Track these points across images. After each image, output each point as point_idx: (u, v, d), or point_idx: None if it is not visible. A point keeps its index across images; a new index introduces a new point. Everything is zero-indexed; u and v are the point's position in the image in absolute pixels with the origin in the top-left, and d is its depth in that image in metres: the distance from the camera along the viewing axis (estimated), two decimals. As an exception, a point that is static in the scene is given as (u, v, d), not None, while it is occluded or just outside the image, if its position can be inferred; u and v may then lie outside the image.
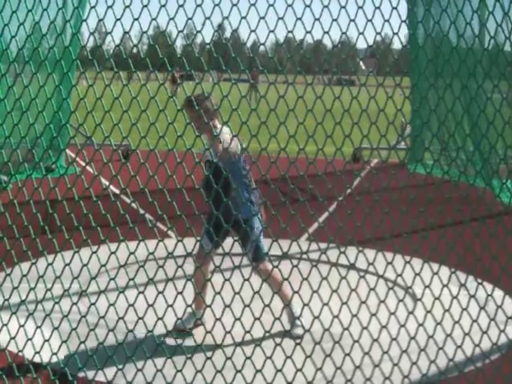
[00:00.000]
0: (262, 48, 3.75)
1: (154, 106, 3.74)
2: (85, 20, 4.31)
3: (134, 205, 4.11)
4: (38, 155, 4.31)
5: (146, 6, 3.85)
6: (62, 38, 4.29)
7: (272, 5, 3.60)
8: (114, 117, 3.84)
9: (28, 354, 4.42)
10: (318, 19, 3.50)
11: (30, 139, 4.35)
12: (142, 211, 4.09)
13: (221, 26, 4.03)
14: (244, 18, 3.62)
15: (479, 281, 4.09)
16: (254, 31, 3.57)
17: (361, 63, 4.63)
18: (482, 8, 4.10)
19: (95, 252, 3.92)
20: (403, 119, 15.71)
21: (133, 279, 3.95)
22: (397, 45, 3.84)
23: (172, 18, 3.80)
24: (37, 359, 4.28)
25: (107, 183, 3.94)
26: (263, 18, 3.60)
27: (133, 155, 14.49)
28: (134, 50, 4.05)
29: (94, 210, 3.92)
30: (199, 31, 3.84)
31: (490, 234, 3.82)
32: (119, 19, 3.92)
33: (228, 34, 4.02)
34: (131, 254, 3.85)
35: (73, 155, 4.73)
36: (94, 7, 4.09)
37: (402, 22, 3.81)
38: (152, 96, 3.80)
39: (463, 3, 3.95)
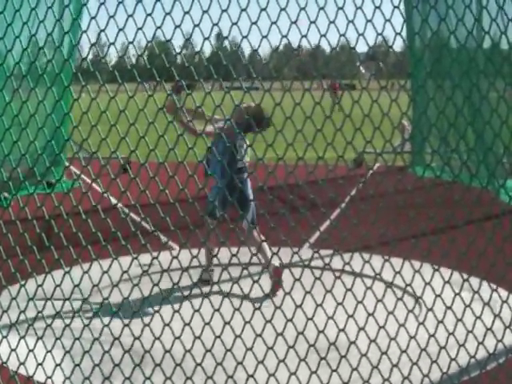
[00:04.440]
0: (262, 55, 3.66)
1: (158, 117, 3.67)
2: (85, 31, 4.21)
3: (130, 216, 4.03)
4: (37, 171, 4.23)
5: (149, 14, 3.76)
6: (59, 51, 4.20)
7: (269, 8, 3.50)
8: (112, 130, 3.77)
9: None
10: (314, 22, 3.40)
11: (29, 155, 4.28)
12: (151, 228, 4.01)
13: (220, 36, 3.94)
14: (235, 24, 3.53)
15: (493, 287, 3.98)
16: (245, 37, 3.48)
17: (360, 67, 4.53)
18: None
19: (87, 272, 3.89)
20: (405, 122, 15.64)
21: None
22: (397, 46, 3.76)
23: (178, 26, 3.71)
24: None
25: (106, 197, 3.86)
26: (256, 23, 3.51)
27: (134, 167, 14.42)
28: (135, 62, 3.97)
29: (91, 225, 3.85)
30: (205, 39, 3.74)
31: (504, 237, 3.74)
32: (122, 29, 3.83)
33: (224, 41, 3.93)
34: (125, 272, 3.78)
35: (73, 169, 4.67)
36: (94, 18, 4.01)
37: (404, 21, 3.72)
38: (160, 108, 3.71)
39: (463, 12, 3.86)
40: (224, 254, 4.02)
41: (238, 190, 6.36)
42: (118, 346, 3.90)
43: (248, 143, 6.82)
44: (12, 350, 4.26)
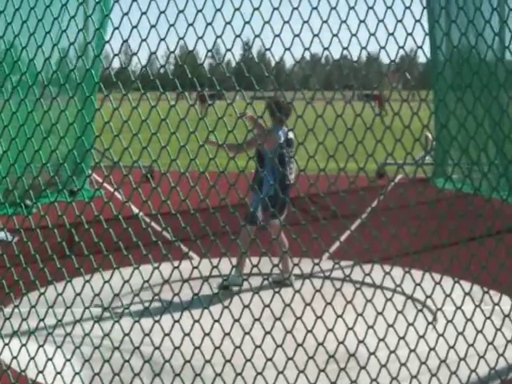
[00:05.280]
0: (287, 65, 3.69)
1: (183, 126, 3.69)
2: (108, 42, 4.23)
3: (152, 226, 4.05)
4: (61, 178, 4.27)
5: (172, 25, 3.78)
6: (83, 60, 4.22)
7: (307, 21, 3.53)
8: (141, 138, 3.80)
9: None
10: (336, 35, 3.43)
11: (52, 164, 4.32)
12: (172, 237, 4.03)
13: (248, 45, 3.97)
14: (277, 35, 3.55)
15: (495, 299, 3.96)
16: (288, 49, 3.50)
17: (387, 77, 4.53)
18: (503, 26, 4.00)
19: (88, 281, 3.91)
20: (428, 134, 15.54)
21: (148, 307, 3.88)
22: (421, 59, 3.77)
23: (200, 37, 3.73)
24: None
25: (133, 206, 3.90)
26: (278, 35, 3.53)
27: (156, 175, 14.48)
28: (161, 71, 3.99)
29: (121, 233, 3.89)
30: (229, 49, 3.75)
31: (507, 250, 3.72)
32: (145, 40, 3.85)
33: (252, 51, 3.95)
34: (145, 281, 3.79)
35: (98, 179, 4.71)
36: (117, 28, 4.03)
37: (426, 34, 3.73)
38: (182, 117, 3.73)
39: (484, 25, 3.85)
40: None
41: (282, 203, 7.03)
42: (137, 355, 3.94)
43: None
44: (31, 358, 4.28)
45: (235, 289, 7.38)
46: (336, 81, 3.79)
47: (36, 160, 4.30)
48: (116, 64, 4.40)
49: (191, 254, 7.28)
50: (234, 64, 3.89)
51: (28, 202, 7.51)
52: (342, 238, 6.82)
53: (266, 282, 4.00)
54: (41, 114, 4.25)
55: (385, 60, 3.78)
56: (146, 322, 3.87)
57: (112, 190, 3.94)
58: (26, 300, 4.24)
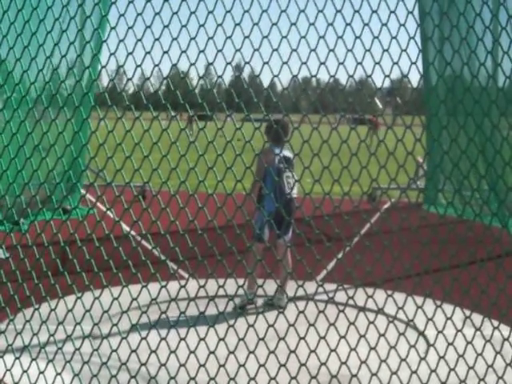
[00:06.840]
0: (278, 88, 3.80)
1: (174, 147, 3.77)
2: (104, 67, 4.30)
3: (154, 250, 4.11)
4: (55, 197, 4.31)
5: (166, 52, 3.86)
6: (80, 82, 4.29)
7: (314, 49, 3.63)
8: (133, 157, 3.87)
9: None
10: (343, 63, 3.54)
11: (46, 182, 4.36)
12: (163, 257, 4.08)
13: (238, 67, 4.06)
14: (266, 63, 3.65)
15: (495, 324, 4.02)
16: (276, 76, 3.61)
17: (377, 101, 4.62)
18: (495, 47, 4.08)
19: (97, 297, 3.98)
20: (419, 158, 15.56)
21: (154, 324, 3.91)
22: (414, 83, 3.88)
23: (193, 64, 3.81)
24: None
25: (124, 225, 3.95)
26: (286, 62, 3.63)
27: (149, 195, 14.46)
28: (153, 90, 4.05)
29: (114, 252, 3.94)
30: (220, 76, 3.85)
31: (507, 275, 3.79)
32: (139, 65, 3.93)
33: (245, 72, 4.05)
34: (153, 299, 3.85)
35: (91, 198, 4.75)
36: (113, 54, 4.10)
37: (413, 63, 3.83)
38: (173, 141, 3.81)
39: (476, 43, 3.94)
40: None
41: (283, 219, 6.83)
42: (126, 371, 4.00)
43: (296, 178, 7.40)
44: (24, 371, 4.31)
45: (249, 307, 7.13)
46: (330, 104, 3.89)
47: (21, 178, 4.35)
48: (111, 83, 4.47)
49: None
50: (226, 85, 3.98)
51: (22, 220, 7.55)
52: (339, 255, 6.85)
53: (269, 303, 4.04)
54: (34, 132, 4.31)
55: (379, 84, 3.87)
56: (150, 339, 3.93)
57: (105, 209, 3.99)
58: (21, 316, 4.27)
